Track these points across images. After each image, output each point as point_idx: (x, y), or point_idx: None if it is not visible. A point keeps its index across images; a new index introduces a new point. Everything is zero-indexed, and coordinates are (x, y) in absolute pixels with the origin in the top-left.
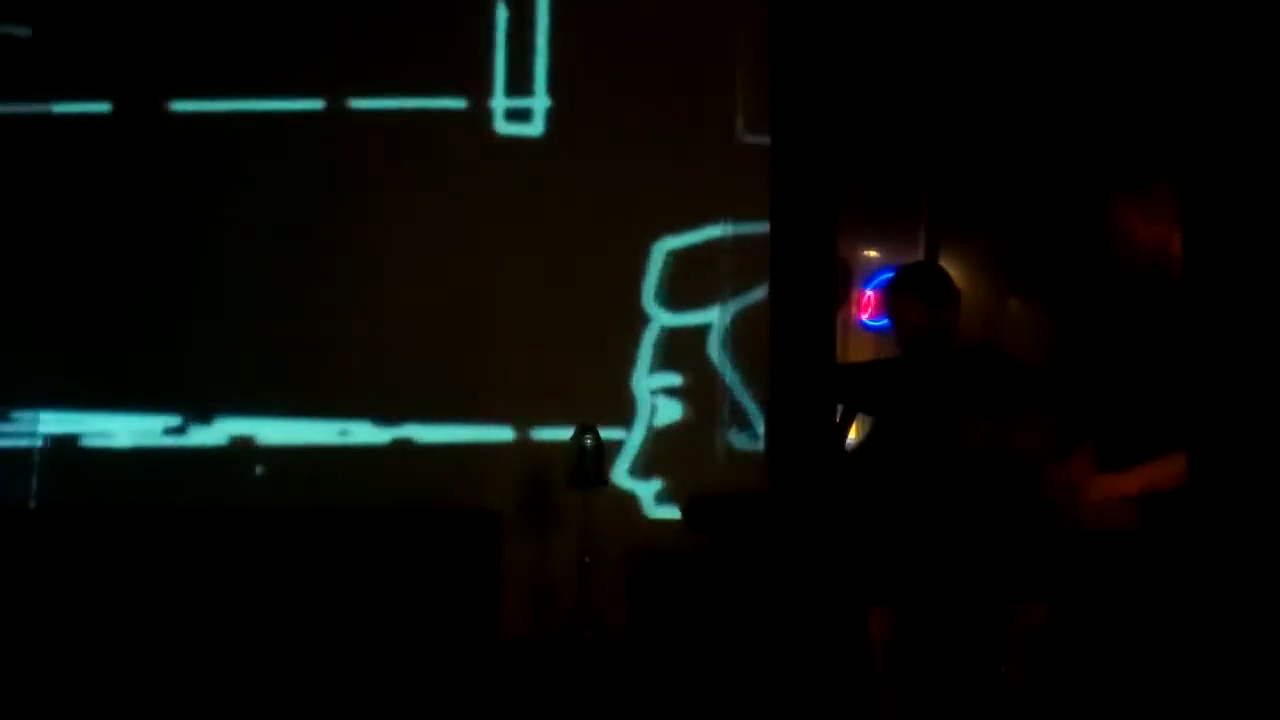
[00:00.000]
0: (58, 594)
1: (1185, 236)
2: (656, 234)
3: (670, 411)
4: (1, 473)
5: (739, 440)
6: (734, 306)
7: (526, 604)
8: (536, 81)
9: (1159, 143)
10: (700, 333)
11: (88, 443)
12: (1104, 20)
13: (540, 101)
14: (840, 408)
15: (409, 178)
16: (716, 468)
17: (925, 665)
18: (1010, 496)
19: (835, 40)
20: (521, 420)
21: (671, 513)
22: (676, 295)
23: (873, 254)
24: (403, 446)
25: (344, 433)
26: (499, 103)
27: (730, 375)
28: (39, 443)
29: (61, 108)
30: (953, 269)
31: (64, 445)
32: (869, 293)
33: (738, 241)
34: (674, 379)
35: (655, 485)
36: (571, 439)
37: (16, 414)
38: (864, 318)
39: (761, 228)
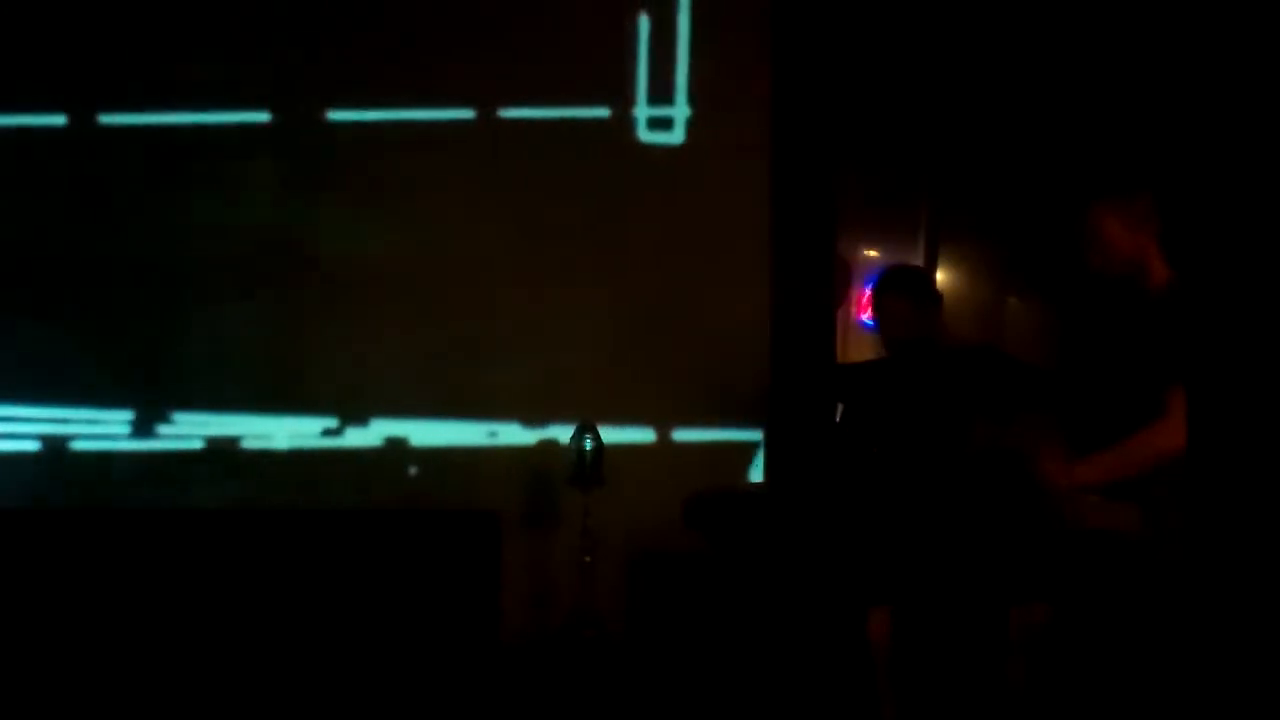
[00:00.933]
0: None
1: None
2: None
3: None
4: (164, 474)
5: None
6: None
7: (526, 604)
8: (678, 90)
9: (1154, 146)
10: None
11: (248, 445)
12: (1101, 23)
13: (681, 110)
14: (840, 407)
15: (555, 184)
16: None
17: (925, 665)
18: (1010, 496)
19: (836, 43)
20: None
21: None
22: None
23: (873, 254)
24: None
25: (493, 434)
26: (641, 111)
27: None
28: (199, 444)
29: (222, 118)
30: (952, 269)
31: (224, 447)
32: (869, 293)
33: None
34: None
35: None
36: (571, 439)
37: (178, 415)
38: (864, 318)
39: None
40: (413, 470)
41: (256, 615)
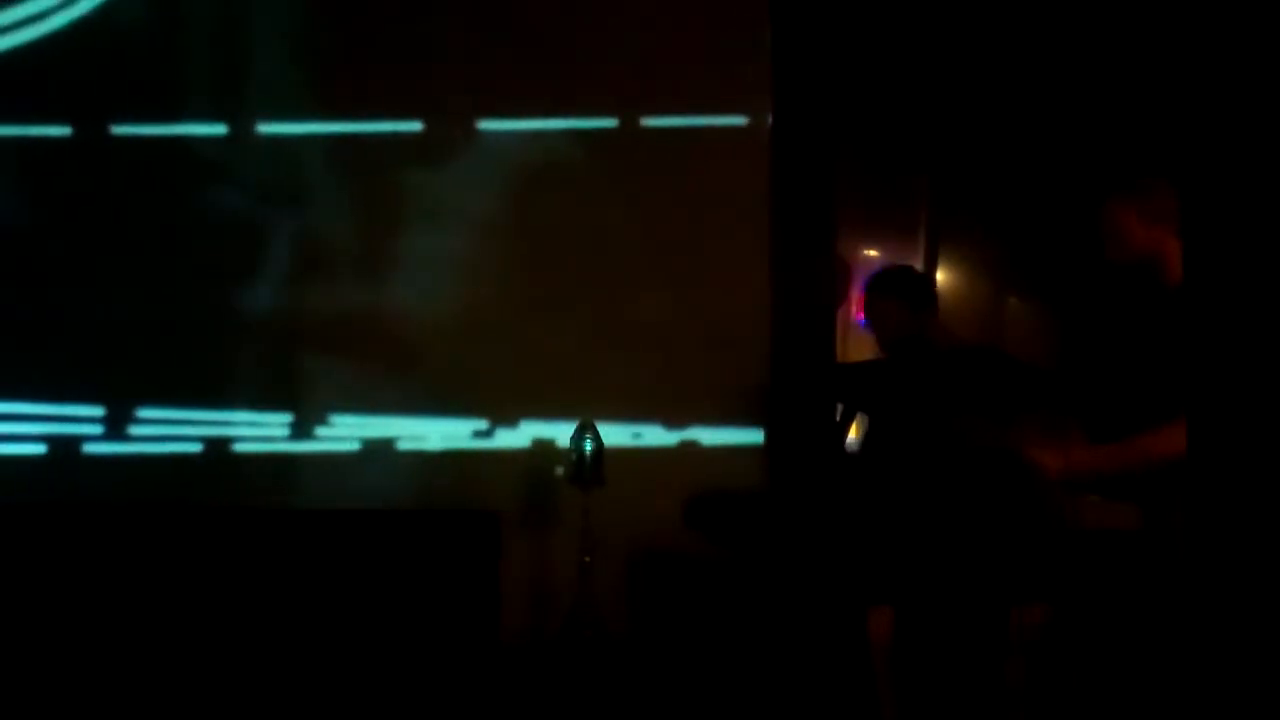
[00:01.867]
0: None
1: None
2: None
3: None
4: (321, 475)
5: None
6: None
7: (526, 604)
8: None
9: (1157, 144)
10: None
11: (403, 446)
12: (1105, 19)
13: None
14: (840, 407)
15: (690, 193)
16: None
17: (925, 665)
18: (1010, 496)
19: (836, 41)
20: None
21: None
22: None
23: (873, 254)
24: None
25: (637, 435)
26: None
27: None
28: (356, 446)
29: (378, 127)
30: (952, 269)
31: (378, 448)
32: (862, 295)
33: None
34: None
35: None
36: (571, 439)
37: (336, 418)
38: (861, 319)
39: None
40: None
41: (255, 615)
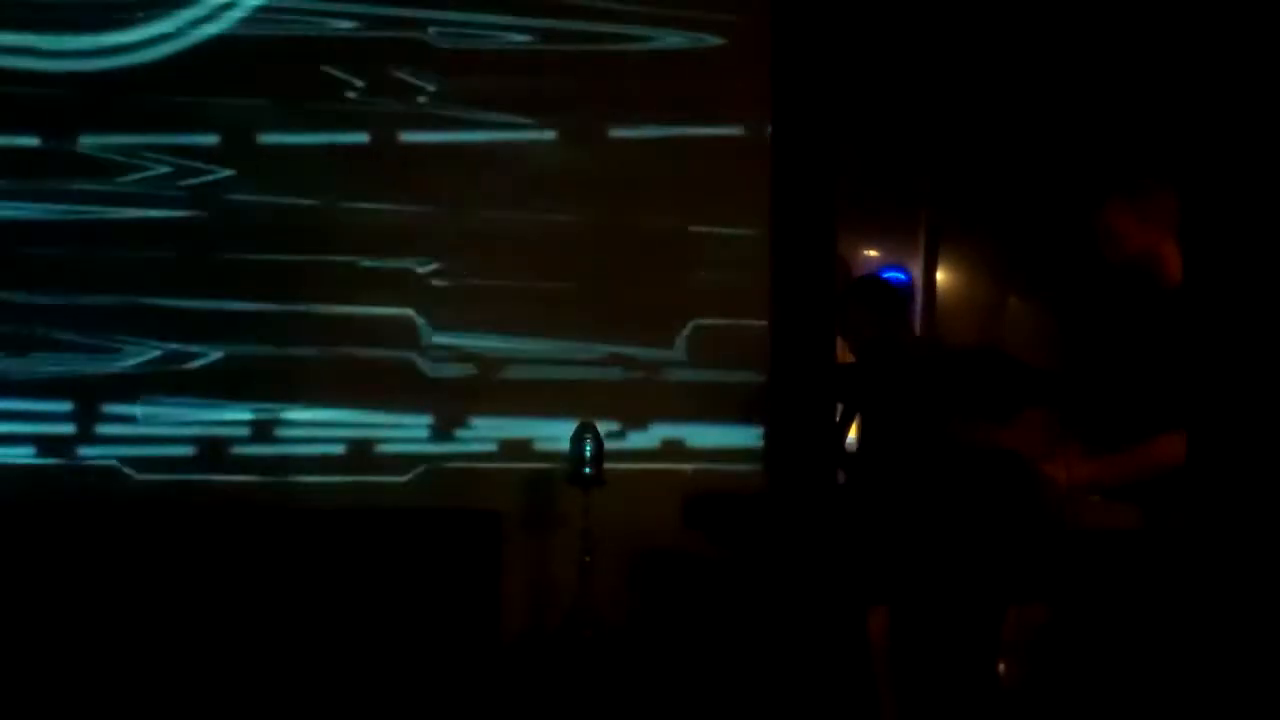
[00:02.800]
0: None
1: (1185, 238)
2: None
3: None
4: (462, 479)
5: None
6: None
7: (526, 604)
8: None
9: (1155, 146)
10: None
11: (539, 447)
12: (1104, 23)
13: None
14: (840, 407)
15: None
16: None
17: (924, 665)
18: (1010, 496)
19: (836, 43)
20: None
21: None
22: None
23: (873, 254)
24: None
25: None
26: None
27: None
28: (493, 447)
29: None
30: (952, 269)
31: (517, 449)
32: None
33: None
34: None
35: None
36: (571, 439)
37: (476, 420)
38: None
39: None
40: None
41: (256, 613)
